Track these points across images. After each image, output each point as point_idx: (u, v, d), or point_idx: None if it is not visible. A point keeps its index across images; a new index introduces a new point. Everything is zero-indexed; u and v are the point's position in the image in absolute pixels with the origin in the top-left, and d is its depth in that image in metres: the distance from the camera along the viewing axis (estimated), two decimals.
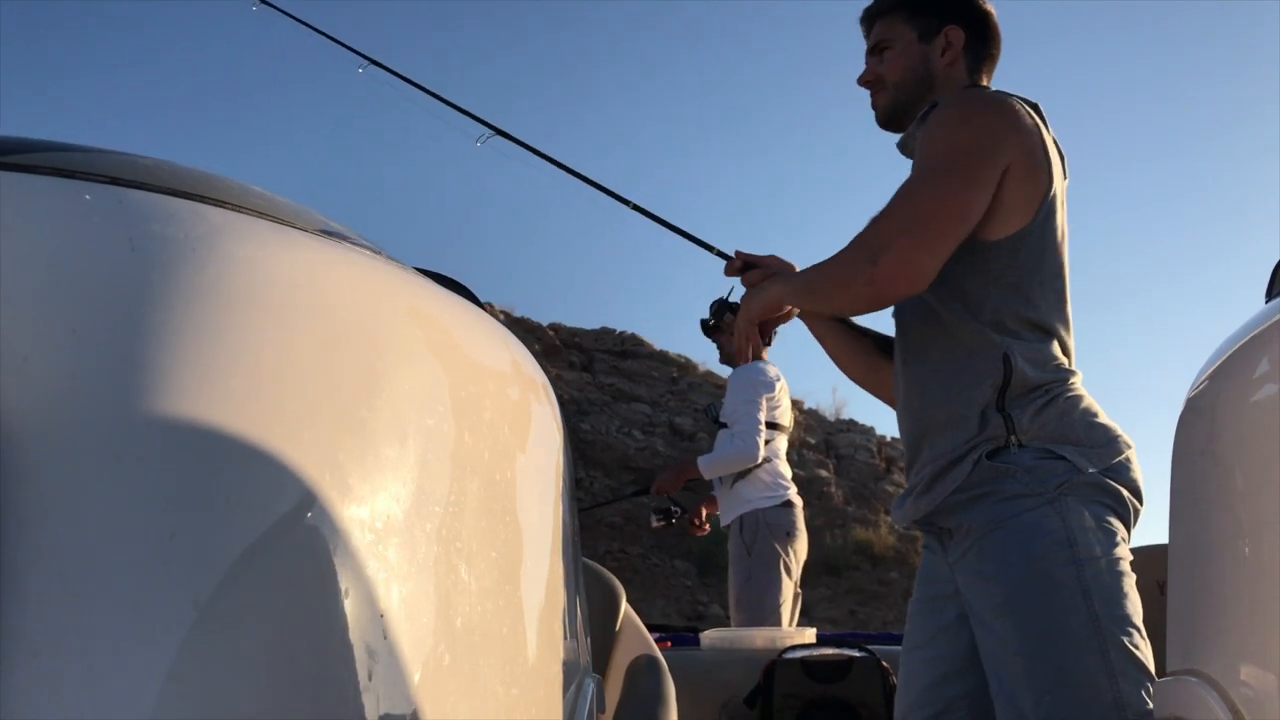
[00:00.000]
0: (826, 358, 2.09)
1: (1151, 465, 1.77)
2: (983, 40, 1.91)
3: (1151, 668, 1.61)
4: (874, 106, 1.95)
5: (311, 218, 0.74)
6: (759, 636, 3.46)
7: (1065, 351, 1.77)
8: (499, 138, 2.61)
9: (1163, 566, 1.81)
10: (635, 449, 14.00)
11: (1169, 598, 1.76)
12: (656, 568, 12.05)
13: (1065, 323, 1.79)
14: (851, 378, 2.09)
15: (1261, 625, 1.42)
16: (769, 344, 4.29)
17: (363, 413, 0.64)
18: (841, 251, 1.74)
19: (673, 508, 4.48)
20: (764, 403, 4.18)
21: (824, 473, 14.58)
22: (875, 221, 1.73)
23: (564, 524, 1.12)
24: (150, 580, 0.49)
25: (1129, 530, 1.70)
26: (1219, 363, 1.66)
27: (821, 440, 15.67)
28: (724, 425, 4.23)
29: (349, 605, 0.57)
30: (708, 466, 4.23)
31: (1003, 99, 1.77)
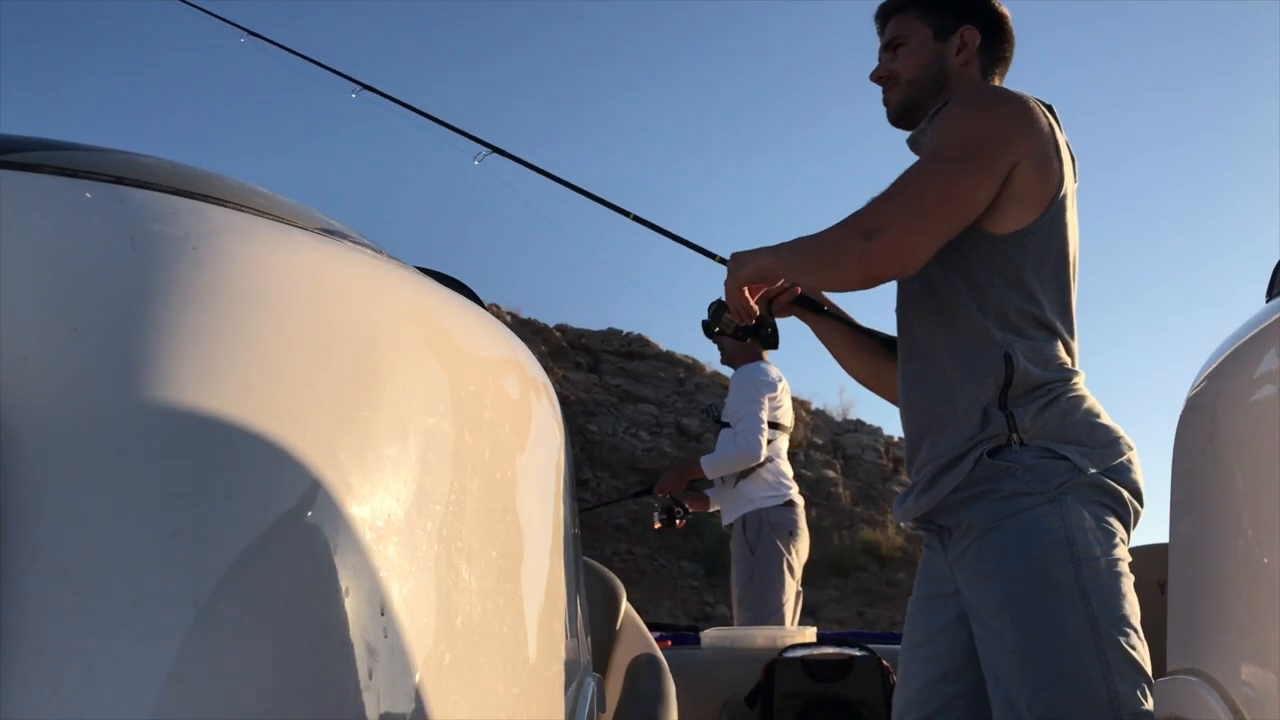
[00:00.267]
0: (831, 358, 2.09)
1: (1152, 464, 1.77)
2: (997, 42, 1.91)
3: (1148, 668, 1.61)
4: (886, 103, 1.94)
5: (312, 217, 0.74)
6: (759, 635, 3.46)
7: (1068, 351, 1.77)
8: (497, 155, 2.60)
9: (1163, 566, 1.81)
10: (642, 450, 13.99)
11: (1169, 597, 1.76)
12: (663, 569, 12.05)
13: (1069, 322, 1.79)
14: (855, 377, 2.09)
15: (1261, 625, 1.42)
16: (772, 341, 4.27)
17: (363, 411, 0.64)
18: (836, 226, 1.73)
19: (676, 508, 4.48)
20: (766, 402, 4.18)
21: (831, 473, 14.56)
22: (874, 201, 1.73)
23: (564, 523, 1.12)
24: (150, 579, 0.49)
25: (1129, 531, 1.70)
26: (1219, 362, 1.66)
27: (829, 440, 15.65)
28: (726, 425, 4.23)
29: (349, 604, 0.57)
30: (711, 466, 4.23)
31: (1017, 95, 1.77)
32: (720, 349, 4.47)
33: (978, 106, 1.76)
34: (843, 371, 2.11)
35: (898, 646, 1.97)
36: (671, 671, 1.99)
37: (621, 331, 16.51)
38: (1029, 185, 1.72)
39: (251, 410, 0.56)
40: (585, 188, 2.46)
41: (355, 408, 0.63)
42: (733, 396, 4.24)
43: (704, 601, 11.43)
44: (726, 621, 4.32)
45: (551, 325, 16.03)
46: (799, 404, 15.72)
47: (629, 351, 16.16)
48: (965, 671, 1.75)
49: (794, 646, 3.18)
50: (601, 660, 2.19)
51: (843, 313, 2.06)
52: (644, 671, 1.98)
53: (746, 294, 1.88)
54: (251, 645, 0.52)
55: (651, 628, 2.66)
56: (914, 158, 1.92)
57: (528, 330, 15.40)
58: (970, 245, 1.71)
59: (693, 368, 15.69)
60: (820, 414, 16.21)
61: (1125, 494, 1.68)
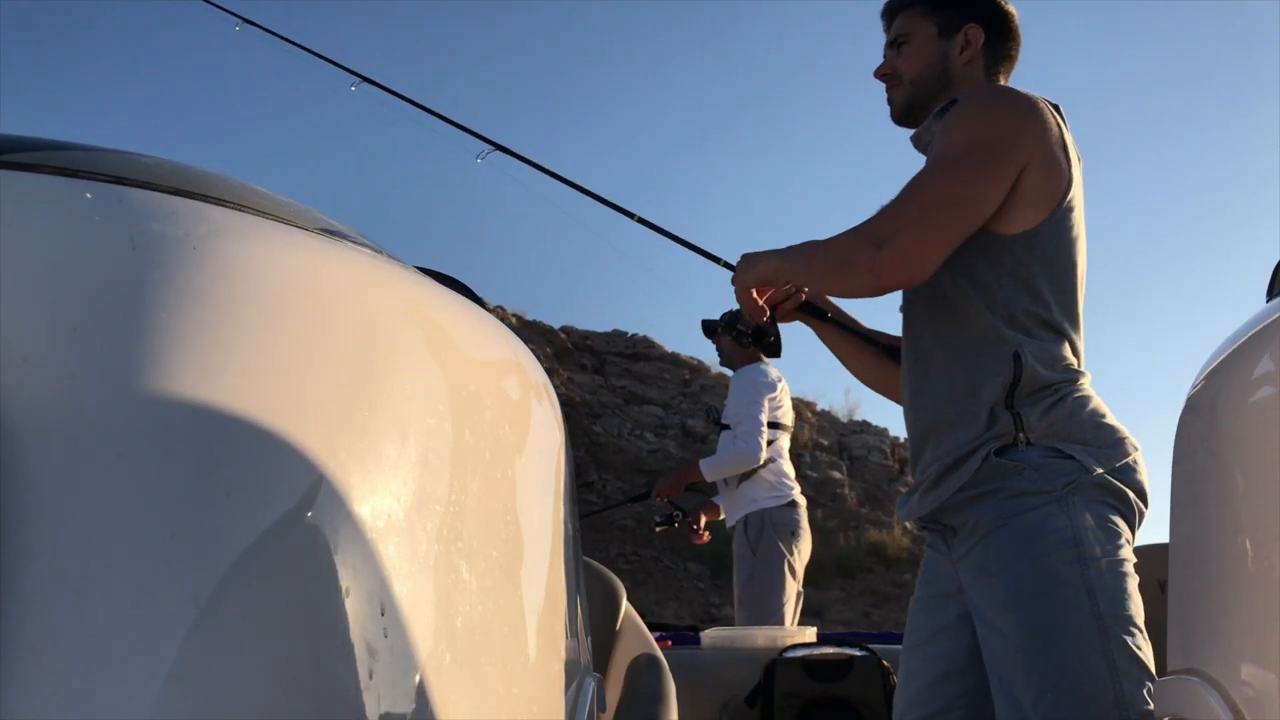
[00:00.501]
0: (837, 359, 2.09)
1: (1152, 464, 1.77)
2: (1002, 40, 1.90)
3: (1153, 668, 1.61)
4: (889, 101, 1.94)
5: (312, 217, 0.74)
6: (760, 635, 3.46)
7: (1075, 351, 1.77)
8: (499, 153, 2.58)
9: (1164, 565, 1.81)
10: (647, 451, 13.99)
11: (1169, 597, 1.76)
12: (669, 570, 12.04)
13: (1076, 323, 1.79)
14: (861, 379, 2.08)
15: (1261, 625, 1.42)
16: (775, 349, 4.26)
17: (363, 411, 0.64)
18: (846, 233, 1.73)
19: (674, 511, 4.48)
20: (766, 403, 4.19)
21: (837, 474, 14.55)
22: (885, 209, 1.73)
23: (564, 523, 1.12)
24: (150, 579, 0.49)
25: (1134, 531, 1.70)
26: (1219, 362, 1.66)
27: (835, 442, 15.64)
28: (726, 427, 4.23)
29: (350, 604, 0.57)
30: (710, 469, 4.23)
31: (1025, 95, 1.77)
32: (719, 350, 4.48)
33: (986, 108, 1.76)
34: (848, 373, 2.11)
35: (898, 646, 1.96)
36: (671, 671, 1.99)
37: (627, 333, 16.52)
38: (1037, 186, 1.72)
39: (252, 410, 0.56)
40: (588, 189, 2.44)
41: (355, 407, 0.63)
42: (732, 398, 4.24)
43: (710, 603, 11.42)
44: (732, 622, 4.32)
45: (557, 327, 16.04)
46: (804, 405, 15.72)
47: (634, 353, 16.16)
48: (967, 671, 1.74)
49: (794, 646, 3.18)
50: (602, 660, 2.19)
51: (847, 317, 2.05)
52: (644, 671, 1.98)
53: (754, 295, 1.88)
54: (252, 645, 0.52)
55: (652, 628, 2.66)
56: (916, 154, 1.92)
57: (533, 332, 15.39)
58: (978, 246, 1.71)
59: (698, 369, 15.69)
60: (826, 415, 16.20)
61: (1130, 494, 1.68)
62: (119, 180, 0.59)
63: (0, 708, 0.45)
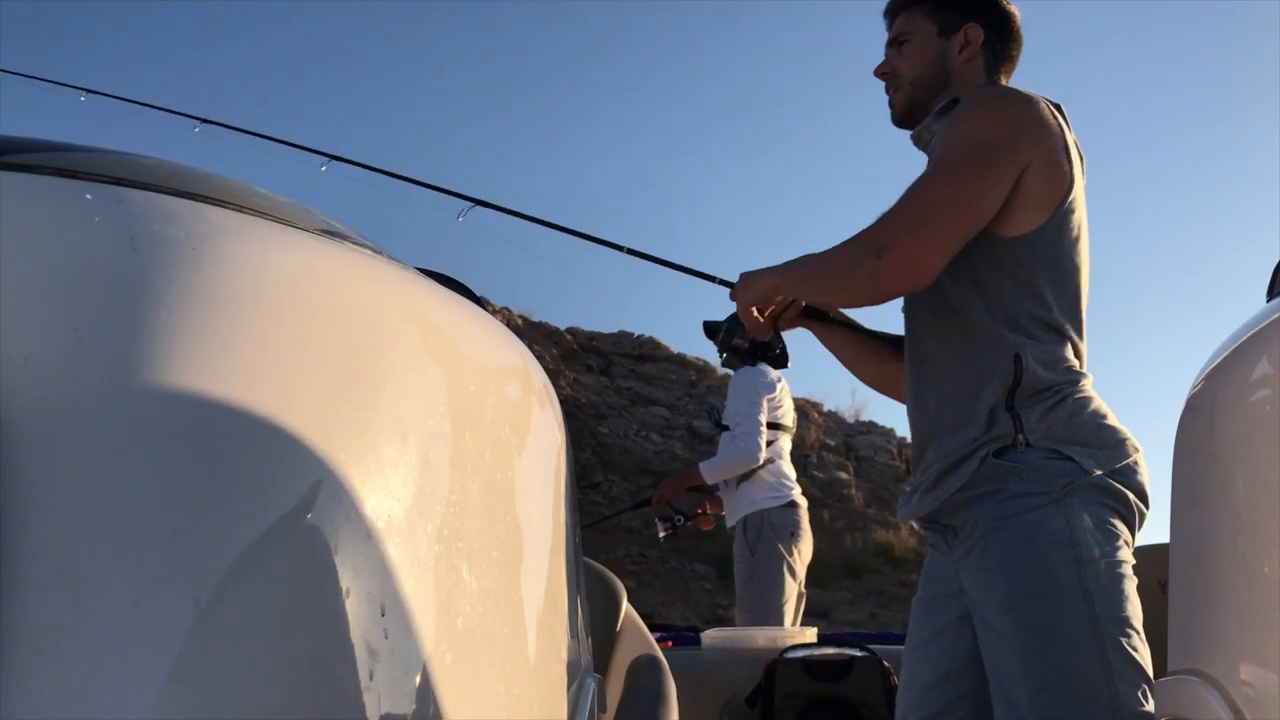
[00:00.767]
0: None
1: (1153, 465, 1.77)
2: (1003, 39, 1.90)
3: (1150, 670, 1.61)
4: (890, 103, 1.94)
5: (312, 217, 0.74)
6: (760, 636, 3.46)
7: (1077, 353, 1.77)
8: (480, 208, 2.53)
9: (1164, 566, 1.82)
10: (654, 452, 13.97)
11: (1169, 597, 1.77)
12: (676, 571, 12.03)
13: (1079, 324, 1.79)
14: (865, 381, 2.09)
15: (1261, 625, 1.42)
16: (781, 361, 4.27)
17: (364, 412, 0.64)
18: (846, 243, 1.74)
19: (675, 516, 4.49)
20: (765, 404, 4.19)
21: (844, 475, 14.52)
22: (884, 216, 1.73)
23: (565, 524, 1.12)
24: (150, 579, 0.49)
25: (1134, 533, 1.70)
26: (1219, 362, 1.66)
27: (841, 442, 15.61)
28: (726, 428, 4.24)
29: (350, 605, 0.57)
30: (710, 471, 4.24)
31: (1026, 96, 1.77)
32: (720, 350, 4.48)
33: (985, 109, 1.76)
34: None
35: (898, 647, 1.97)
36: (672, 672, 1.99)
37: (633, 334, 16.52)
38: (1039, 188, 1.72)
39: (252, 411, 0.56)
40: (574, 220, 2.40)
41: (356, 408, 0.63)
42: (731, 399, 4.25)
43: (717, 604, 11.41)
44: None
45: (563, 328, 16.03)
46: (811, 406, 15.71)
47: (640, 354, 16.15)
48: (968, 672, 1.75)
49: (795, 647, 3.18)
50: (602, 661, 2.19)
51: (848, 319, 2.05)
52: (645, 672, 1.98)
53: (755, 313, 1.89)
54: (252, 646, 0.52)
55: (653, 628, 2.66)
56: (917, 154, 1.92)
57: (539, 333, 15.38)
58: (979, 249, 1.71)
59: (704, 370, 15.68)
60: (832, 415, 16.18)
61: (1130, 496, 1.68)
62: (119, 181, 0.59)
63: (0, 708, 0.45)
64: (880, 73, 1.94)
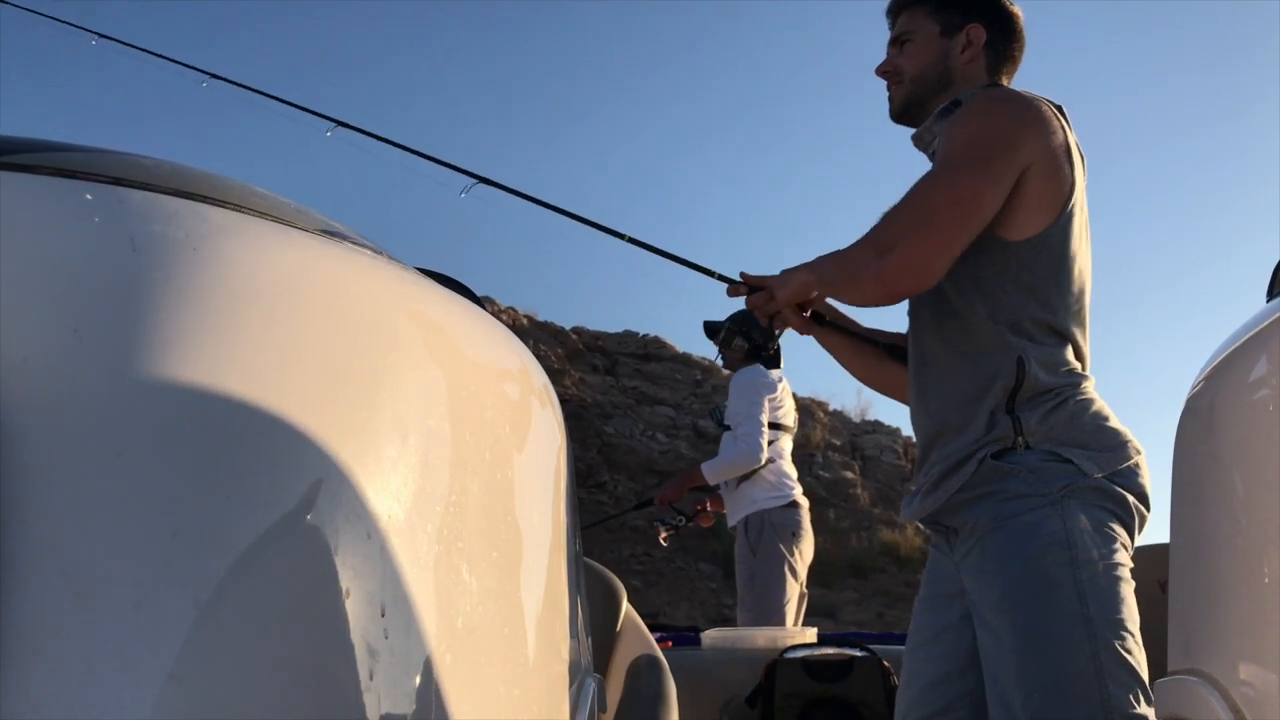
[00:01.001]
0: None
1: (1153, 464, 1.78)
2: (1005, 40, 1.90)
3: (1144, 673, 1.61)
4: (889, 98, 1.95)
5: (312, 218, 0.75)
6: (760, 636, 3.46)
7: (1079, 356, 1.77)
8: (484, 185, 2.53)
9: (1163, 566, 1.82)
10: (659, 452, 13.97)
11: (1169, 597, 1.77)
12: (682, 571, 12.03)
13: (1082, 326, 1.79)
14: (862, 380, 2.09)
15: (1261, 625, 1.42)
16: (775, 361, 4.26)
17: (364, 412, 0.64)
18: (854, 245, 1.75)
19: (677, 517, 4.49)
20: (766, 404, 4.19)
21: (850, 474, 14.50)
22: (888, 216, 1.74)
23: (565, 524, 1.12)
24: (152, 580, 0.49)
25: (1133, 536, 1.70)
26: (1218, 362, 1.66)
27: (847, 442, 15.60)
28: (728, 428, 4.24)
29: (350, 605, 0.57)
30: (712, 472, 4.24)
31: (1028, 98, 1.77)
32: (721, 348, 4.48)
33: (987, 112, 1.76)
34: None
35: (898, 647, 1.97)
36: (672, 672, 1.99)
37: (638, 334, 16.53)
38: (1041, 190, 1.72)
39: (252, 411, 0.56)
40: (577, 211, 2.39)
41: (356, 408, 0.63)
42: (732, 399, 4.25)
43: (722, 604, 11.41)
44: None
45: (568, 328, 16.04)
46: (816, 405, 15.70)
47: (645, 353, 16.16)
48: (969, 672, 1.75)
49: (795, 647, 3.18)
50: (602, 661, 2.19)
51: (845, 319, 2.05)
52: (644, 672, 1.98)
53: (794, 310, 1.90)
54: (252, 646, 0.52)
55: (653, 628, 2.66)
56: (913, 155, 1.93)
57: (544, 333, 15.38)
58: (983, 252, 1.72)
59: (710, 369, 15.67)
60: (838, 415, 16.17)
61: (1130, 498, 1.68)
62: (119, 181, 0.59)
63: (0, 708, 0.45)
64: (882, 71, 1.94)
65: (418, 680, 0.63)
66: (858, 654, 3.11)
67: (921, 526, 1.93)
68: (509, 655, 0.82)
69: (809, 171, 26.00)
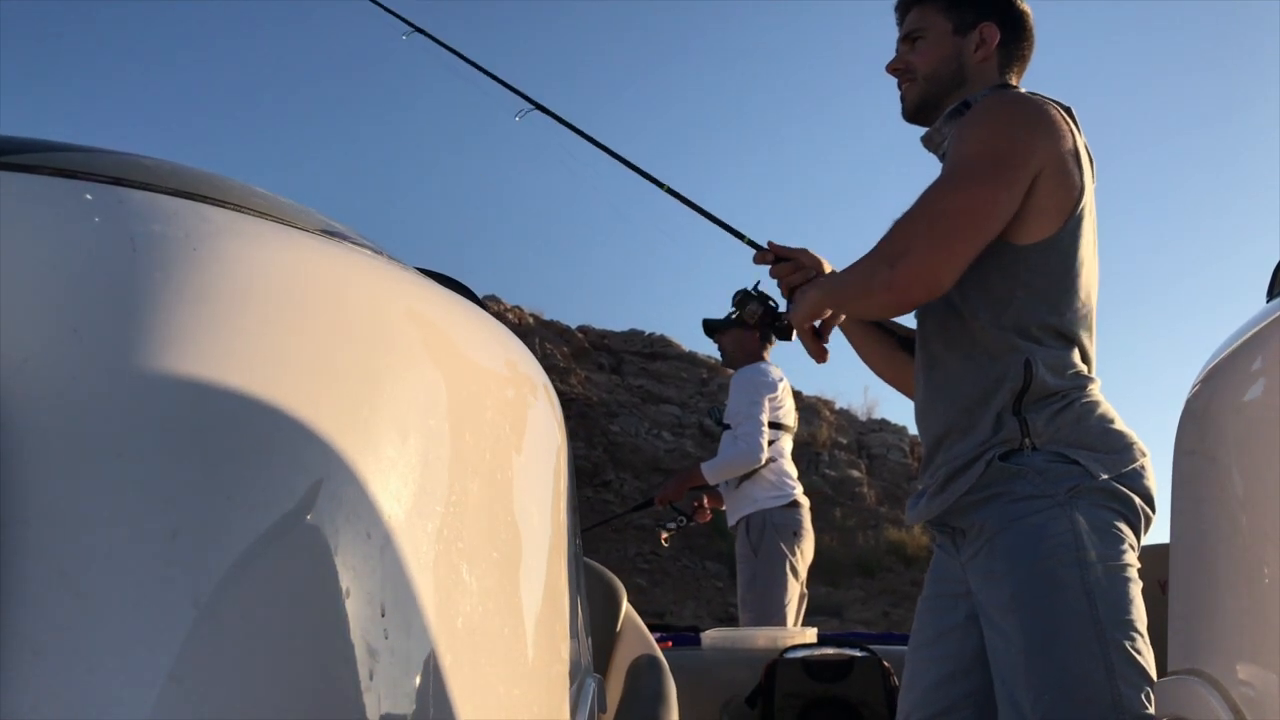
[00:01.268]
0: (856, 358, 2.10)
1: (1155, 466, 1.78)
2: (1016, 39, 1.90)
3: (1153, 673, 1.61)
4: (902, 97, 1.94)
5: (312, 218, 0.75)
6: (760, 636, 3.46)
7: (1086, 358, 1.77)
8: (538, 113, 2.59)
9: (1164, 566, 1.82)
10: (665, 450, 13.97)
11: (1169, 597, 1.77)
12: (688, 570, 12.02)
13: (1089, 330, 1.79)
14: (878, 373, 2.10)
15: (1261, 625, 1.42)
16: (786, 333, 4.25)
17: (364, 412, 0.64)
18: (865, 256, 1.76)
19: (678, 517, 4.48)
20: (766, 403, 4.18)
21: (856, 473, 14.49)
22: (897, 225, 1.74)
23: (565, 524, 1.12)
24: (150, 579, 0.49)
25: (1139, 537, 1.70)
26: (1217, 363, 1.66)
27: (853, 440, 15.59)
28: (727, 427, 4.23)
29: (350, 605, 0.57)
30: (712, 472, 4.23)
31: (1038, 103, 1.76)
32: (720, 350, 4.47)
33: (997, 118, 1.76)
34: (867, 371, 2.13)
35: (899, 647, 1.97)
36: (672, 672, 1.99)
37: (644, 332, 16.53)
38: (1051, 195, 1.71)
39: (252, 411, 0.56)
40: (621, 155, 2.46)
41: (356, 408, 0.63)
42: (733, 398, 4.24)
43: (728, 602, 11.41)
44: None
45: (574, 326, 16.05)
46: (823, 403, 15.70)
47: (651, 352, 16.17)
48: (973, 672, 1.75)
49: (795, 647, 3.18)
50: (602, 661, 2.19)
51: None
52: (645, 672, 1.98)
53: (810, 329, 1.95)
54: (252, 646, 0.52)
55: (653, 628, 2.66)
56: (917, 151, 1.92)
57: (550, 331, 15.39)
58: (992, 257, 1.71)
59: (715, 368, 15.66)
60: (844, 413, 16.17)
61: (1136, 500, 1.68)
62: (119, 181, 0.59)
63: (0, 708, 0.45)
64: (893, 69, 1.93)
65: (418, 680, 0.63)
66: (858, 654, 3.11)
67: (910, 525, 1.94)
68: (509, 655, 0.82)
69: (810, 170, 26.00)
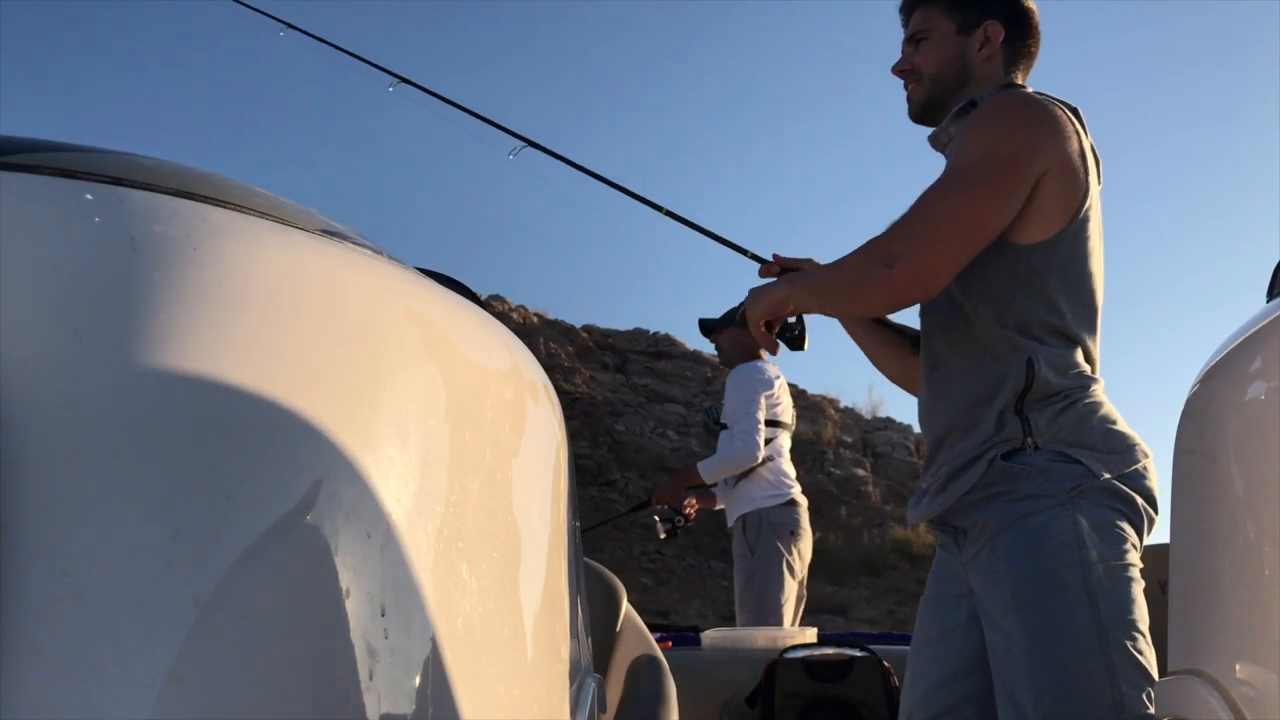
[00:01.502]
0: (862, 356, 2.10)
1: (1157, 465, 1.77)
2: (1021, 37, 1.89)
3: (1155, 673, 1.61)
4: (908, 98, 1.94)
5: (312, 218, 0.75)
6: (760, 636, 3.46)
7: (1089, 358, 1.77)
8: (531, 149, 2.59)
9: (1164, 566, 1.82)
10: (670, 449, 13.95)
11: (1169, 597, 1.77)
12: (693, 569, 12.00)
13: (1093, 330, 1.78)
14: (884, 372, 2.09)
15: (1261, 625, 1.42)
16: (799, 343, 4.24)
17: (363, 412, 0.64)
18: (856, 253, 1.74)
19: (676, 516, 4.47)
20: (763, 401, 4.17)
21: (861, 471, 14.47)
22: (894, 226, 1.73)
23: (565, 523, 1.12)
24: (151, 580, 0.49)
25: (1142, 537, 1.70)
26: (1217, 362, 1.66)
27: (858, 439, 15.56)
28: (725, 426, 4.23)
29: (350, 605, 0.57)
30: (709, 471, 4.23)
31: (1044, 104, 1.76)
32: (717, 348, 4.47)
33: (1000, 119, 1.75)
34: (871, 369, 2.12)
35: (899, 647, 1.97)
36: (672, 672, 1.99)
37: (649, 331, 16.52)
38: (1055, 196, 1.71)
39: (252, 411, 0.56)
40: (619, 184, 2.46)
41: (355, 408, 0.63)
42: (729, 397, 4.24)
43: (734, 602, 11.42)
44: None
45: (578, 325, 16.05)
46: (827, 402, 15.69)
47: (656, 351, 16.16)
48: (975, 672, 1.75)
49: (795, 647, 3.18)
50: (602, 661, 2.19)
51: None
52: (644, 672, 1.98)
53: (764, 328, 1.87)
54: (252, 646, 0.52)
55: (652, 628, 2.66)
56: (929, 152, 1.92)
57: (555, 331, 15.39)
58: (994, 256, 1.71)
59: (720, 367, 15.65)
60: (849, 412, 16.14)
61: (1138, 500, 1.68)
62: (119, 181, 0.59)
63: (0, 708, 0.45)
64: (899, 70, 1.93)
65: (417, 680, 0.63)
66: (858, 654, 3.11)
67: (913, 524, 1.94)
68: (509, 655, 0.82)
69: (809, 170, 26.01)
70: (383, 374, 0.68)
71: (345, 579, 0.57)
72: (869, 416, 16.30)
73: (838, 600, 11.23)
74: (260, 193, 0.70)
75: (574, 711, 1.08)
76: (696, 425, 14.51)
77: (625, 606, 2.35)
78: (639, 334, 16.46)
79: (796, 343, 2.13)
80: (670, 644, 3.33)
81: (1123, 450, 1.70)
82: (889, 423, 16.07)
